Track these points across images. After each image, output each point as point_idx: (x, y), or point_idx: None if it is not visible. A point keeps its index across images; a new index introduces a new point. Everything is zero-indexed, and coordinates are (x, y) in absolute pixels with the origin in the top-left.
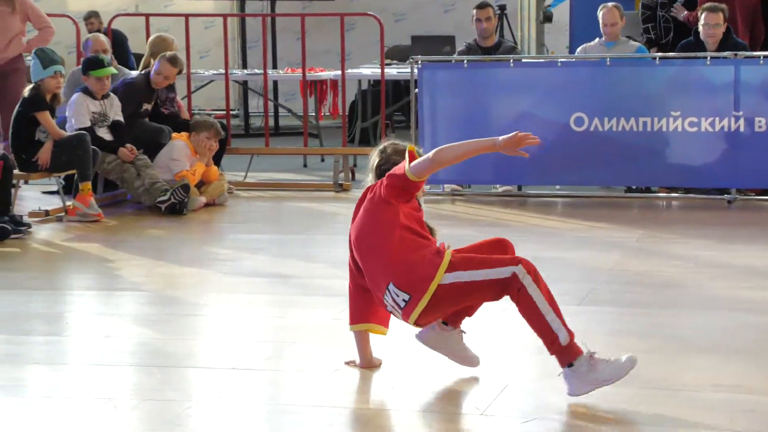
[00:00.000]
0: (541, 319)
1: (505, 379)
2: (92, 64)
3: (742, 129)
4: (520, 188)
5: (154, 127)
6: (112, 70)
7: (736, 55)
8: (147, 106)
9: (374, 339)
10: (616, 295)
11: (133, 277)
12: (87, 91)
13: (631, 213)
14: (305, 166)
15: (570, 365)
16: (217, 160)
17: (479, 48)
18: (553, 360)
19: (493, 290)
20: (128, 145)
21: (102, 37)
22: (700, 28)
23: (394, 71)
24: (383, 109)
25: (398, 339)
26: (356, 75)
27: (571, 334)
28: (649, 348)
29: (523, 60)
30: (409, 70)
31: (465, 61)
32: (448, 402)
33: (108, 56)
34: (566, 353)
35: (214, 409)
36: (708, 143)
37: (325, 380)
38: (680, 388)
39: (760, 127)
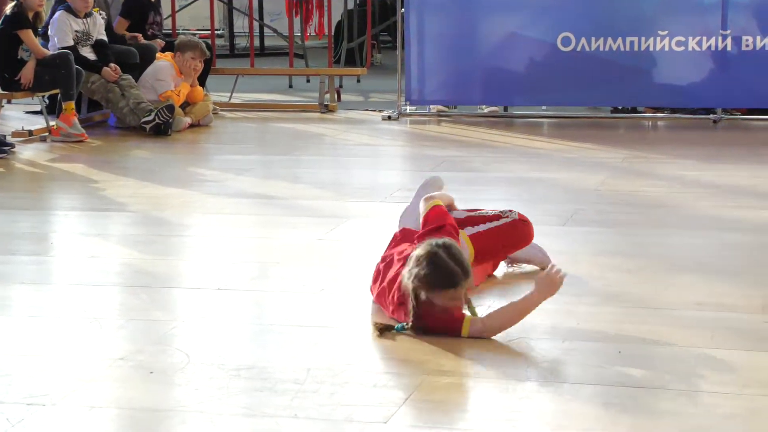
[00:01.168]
0: None
1: (489, 300)
2: None
3: (729, 48)
4: (506, 109)
5: (122, 49)
6: None
7: None
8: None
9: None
10: (601, 215)
11: (119, 197)
12: (70, 10)
13: (618, 133)
14: (291, 86)
15: None
16: (202, 80)
17: None
18: None
19: None
20: (112, 65)
21: None
22: None
23: None
24: (369, 30)
25: None
26: None
27: None
28: (634, 267)
29: None
30: None
31: None
32: None
33: None
34: None
35: (199, 329)
36: (695, 63)
37: (310, 300)
38: (663, 307)
39: (747, 46)
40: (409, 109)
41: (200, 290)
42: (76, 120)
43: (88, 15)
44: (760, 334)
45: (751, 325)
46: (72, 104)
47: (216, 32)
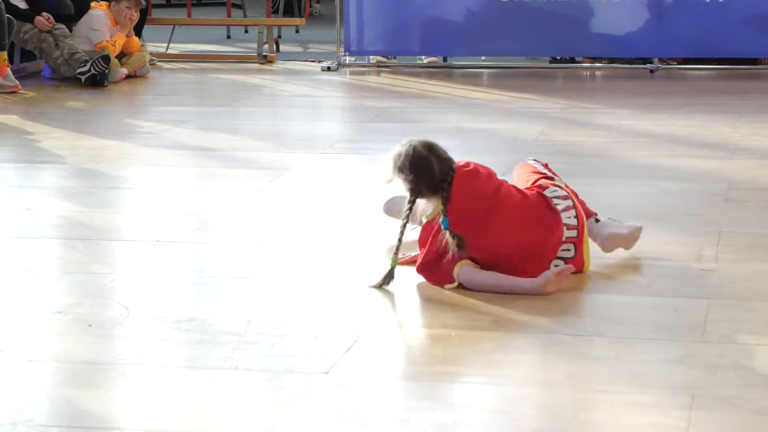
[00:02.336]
0: None
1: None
2: None
3: None
4: (445, 59)
5: None
6: None
7: None
8: None
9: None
10: None
11: (54, 149)
12: None
13: (556, 83)
14: (229, 37)
15: None
16: (138, 30)
17: None
18: None
19: None
20: (44, 14)
21: None
22: None
23: None
24: None
25: (323, 212)
26: None
27: None
28: None
29: None
30: None
31: None
32: (377, 273)
33: None
34: None
35: (138, 282)
36: (632, 12)
37: (251, 252)
38: (600, 255)
39: None
40: (348, 59)
41: (139, 243)
42: (9, 71)
43: None
44: (695, 281)
45: (686, 272)
46: (4, 54)
47: None
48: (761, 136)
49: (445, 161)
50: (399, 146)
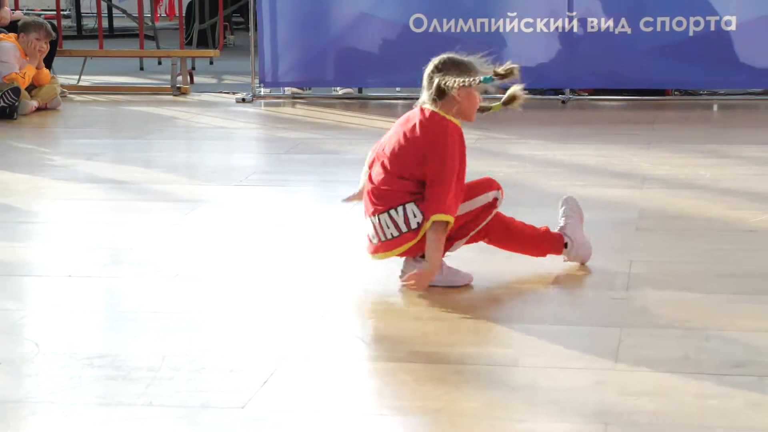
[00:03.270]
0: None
1: (345, 285)
2: None
3: (575, 30)
4: (360, 90)
5: None
6: None
7: None
8: None
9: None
10: None
11: None
12: None
13: None
14: (142, 69)
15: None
16: (48, 62)
17: None
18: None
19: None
20: None
21: None
22: None
23: None
24: (221, 11)
25: (238, 245)
26: None
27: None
28: (484, 247)
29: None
30: None
31: None
32: (292, 304)
33: None
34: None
35: (50, 318)
36: (543, 44)
37: (165, 286)
38: (515, 284)
39: (592, 27)
40: (263, 91)
41: (50, 278)
42: None
43: None
44: (607, 310)
45: (598, 301)
46: None
47: (62, 13)
48: (670, 165)
49: None
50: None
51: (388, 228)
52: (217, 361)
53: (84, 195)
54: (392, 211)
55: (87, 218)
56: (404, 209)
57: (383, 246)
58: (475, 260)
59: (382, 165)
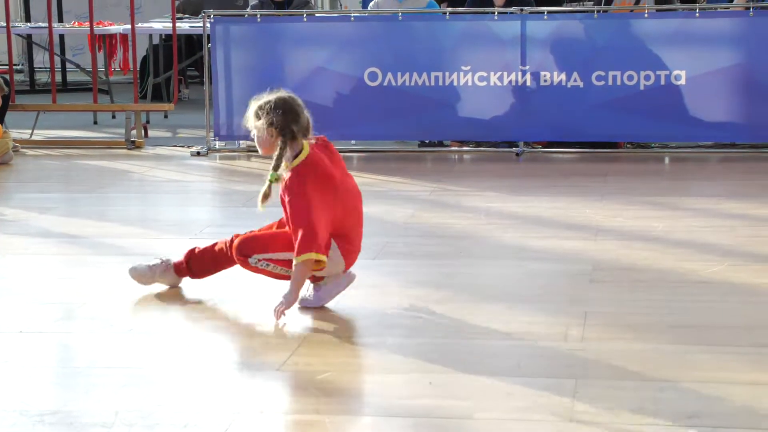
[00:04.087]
0: None
1: (300, 335)
2: None
3: (528, 83)
4: None
5: None
6: None
7: (522, 10)
8: None
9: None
10: (410, 248)
11: None
12: None
13: (425, 166)
14: (95, 123)
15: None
16: (0, 117)
17: (272, 3)
18: (348, 314)
19: None
20: None
21: None
22: None
23: (186, 25)
24: (176, 65)
25: (192, 299)
26: (147, 29)
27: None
28: (442, 298)
29: (317, 14)
30: (201, 24)
31: (258, 16)
32: (244, 358)
33: None
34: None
35: (0, 374)
36: (497, 97)
37: (118, 341)
38: (471, 337)
39: (545, 81)
40: (218, 144)
41: (1, 333)
42: None
43: None
44: (563, 361)
45: (554, 352)
46: None
47: (15, 67)
48: (622, 217)
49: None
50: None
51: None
52: (171, 417)
53: (36, 249)
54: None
55: (39, 273)
56: None
57: None
58: (432, 313)
59: None
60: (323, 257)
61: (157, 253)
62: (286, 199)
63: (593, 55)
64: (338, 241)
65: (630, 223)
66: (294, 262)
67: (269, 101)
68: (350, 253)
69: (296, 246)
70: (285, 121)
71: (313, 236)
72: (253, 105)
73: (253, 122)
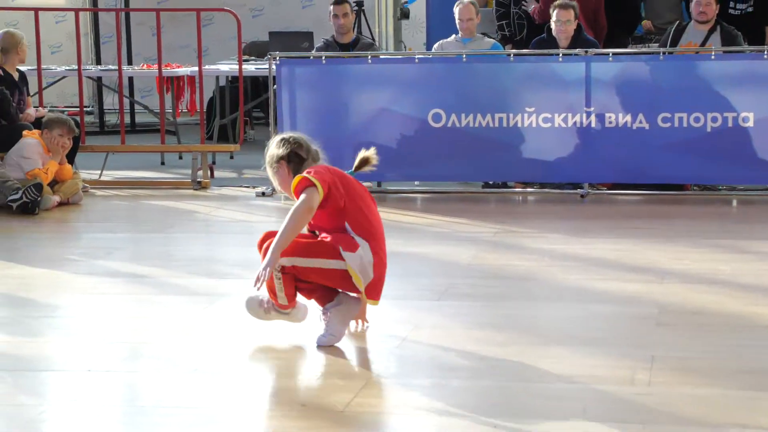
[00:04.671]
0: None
1: (365, 375)
2: None
3: (593, 125)
4: (379, 184)
5: None
6: None
7: (587, 52)
8: None
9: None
10: (474, 289)
11: None
12: None
13: (489, 208)
14: (163, 163)
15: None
16: (70, 158)
17: (337, 44)
18: (412, 355)
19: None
20: None
21: None
22: (552, 25)
23: (252, 67)
24: (242, 106)
25: (257, 339)
26: (214, 71)
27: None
28: (505, 340)
29: (381, 56)
30: (267, 66)
31: (323, 58)
32: (309, 399)
33: None
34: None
35: (69, 413)
36: (561, 139)
37: (183, 381)
38: (535, 380)
39: (610, 122)
40: None
41: (69, 372)
42: None
43: None
44: (629, 406)
45: (620, 396)
46: None
47: (85, 109)
48: (689, 260)
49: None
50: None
51: None
52: None
53: (103, 289)
54: None
55: (106, 312)
56: None
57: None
58: (495, 355)
59: None
60: (320, 186)
61: (221, 293)
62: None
63: (659, 96)
64: (370, 242)
65: (696, 265)
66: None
67: (276, 146)
68: (379, 256)
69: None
70: (291, 151)
71: (309, 179)
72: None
73: (271, 171)
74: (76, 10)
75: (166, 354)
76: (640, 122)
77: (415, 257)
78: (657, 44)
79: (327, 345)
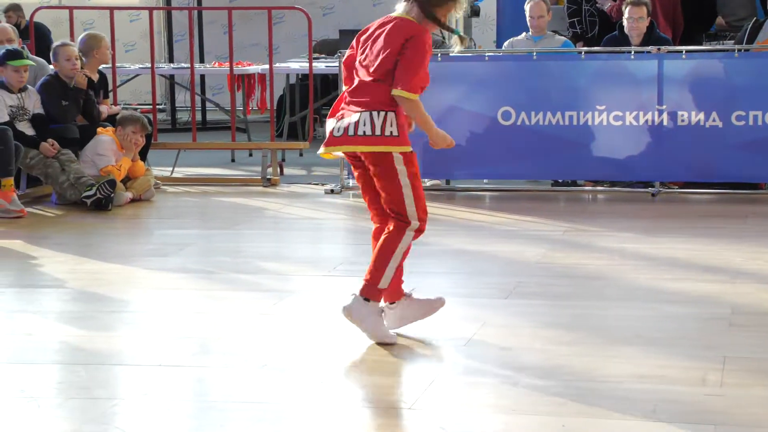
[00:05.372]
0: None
1: (432, 373)
2: (10, 54)
3: (665, 123)
4: (448, 182)
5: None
6: (28, 62)
7: (659, 49)
8: (65, 103)
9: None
10: (542, 288)
11: (57, 273)
12: (2, 85)
13: (558, 206)
14: (233, 160)
15: (366, 299)
16: (143, 155)
17: None
18: (479, 354)
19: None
20: (49, 140)
21: (8, 27)
22: (625, 22)
23: (322, 65)
24: (311, 104)
25: (326, 336)
26: (284, 69)
27: (390, 289)
28: (574, 340)
29: (451, 54)
30: (337, 64)
31: None
32: (376, 396)
33: (14, 46)
34: (372, 291)
35: (140, 407)
36: (632, 137)
37: (253, 376)
38: (604, 380)
39: (683, 120)
40: (351, 182)
41: (141, 367)
42: (15, 196)
43: (23, 90)
44: (701, 407)
45: (692, 397)
46: (11, 180)
47: (158, 107)
48: (763, 260)
49: None
50: None
51: (364, 125)
52: None
53: (174, 285)
54: (374, 113)
55: (177, 307)
56: (386, 115)
57: (346, 140)
58: (564, 354)
59: (362, 71)
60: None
61: (291, 289)
62: (410, 43)
63: (733, 94)
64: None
65: None
66: (395, 94)
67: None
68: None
69: (401, 81)
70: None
71: (417, 82)
72: None
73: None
74: (150, 9)
75: (235, 350)
76: (714, 120)
77: (484, 255)
78: (732, 41)
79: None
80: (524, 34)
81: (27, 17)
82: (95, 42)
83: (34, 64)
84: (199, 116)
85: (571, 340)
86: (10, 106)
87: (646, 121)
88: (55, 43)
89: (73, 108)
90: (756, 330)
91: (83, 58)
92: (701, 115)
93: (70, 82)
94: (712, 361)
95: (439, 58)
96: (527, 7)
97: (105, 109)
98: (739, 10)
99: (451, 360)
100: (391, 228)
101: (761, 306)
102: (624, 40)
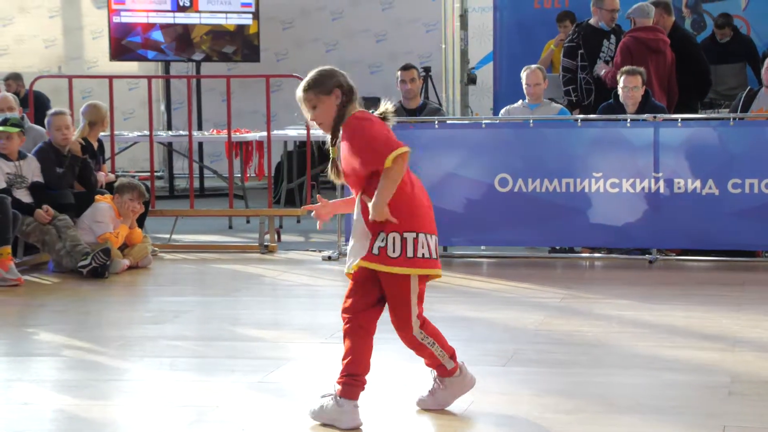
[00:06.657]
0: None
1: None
2: None
3: (662, 190)
4: (445, 249)
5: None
6: (11, 129)
7: (655, 117)
8: (60, 170)
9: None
10: (540, 355)
11: (53, 342)
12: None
13: (555, 273)
14: (230, 227)
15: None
16: (140, 222)
17: (404, 109)
18: (479, 421)
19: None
20: (44, 206)
21: (9, 95)
22: (620, 91)
23: (320, 132)
24: (309, 170)
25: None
26: (282, 136)
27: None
28: (574, 408)
29: (448, 121)
30: None
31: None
32: None
33: (14, 114)
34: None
35: None
36: (629, 204)
37: None
38: None
39: (679, 188)
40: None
41: None
42: (12, 264)
43: (22, 157)
44: None
45: None
46: (8, 248)
47: (155, 174)
48: (762, 328)
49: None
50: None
51: (393, 250)
52: None
53: (171, 352)
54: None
55: (173, 376)
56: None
57: (378, 259)
58: (563, 422)
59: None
60: (407, 148)
61: (288, 356)
62: (348, 145)
63: (729, 162)
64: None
65: None
66: (384, 167)
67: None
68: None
69: (377, 157)
70: (336, 81)
71: (390, 141)
72: (300, 92)
73: (305, 106)
74: (149, 77)
75: (232, 418)
76: (710, 188)
77: (482, 322)
78: (726, 110)
79: (430, 408)
80: (521, 101)
81: (27, 86)
82: (102, 113)
83: (15, 131)
84: (197, 183)
85: (570, 408)
86: (7, 174)
87: (643, 188)
88: (49, 112)
89: (68, 175)
90: (756, 399)
91: (89, 126)
92: (698, 183)
93: (64, 150)
94: (713, 429)
95: (437, 126)
96: (524, 75)
97: (102, 176)
98: (730, 79)
99: (449, 429)
100: None
101: (760, 374)
102: (619, 107)
